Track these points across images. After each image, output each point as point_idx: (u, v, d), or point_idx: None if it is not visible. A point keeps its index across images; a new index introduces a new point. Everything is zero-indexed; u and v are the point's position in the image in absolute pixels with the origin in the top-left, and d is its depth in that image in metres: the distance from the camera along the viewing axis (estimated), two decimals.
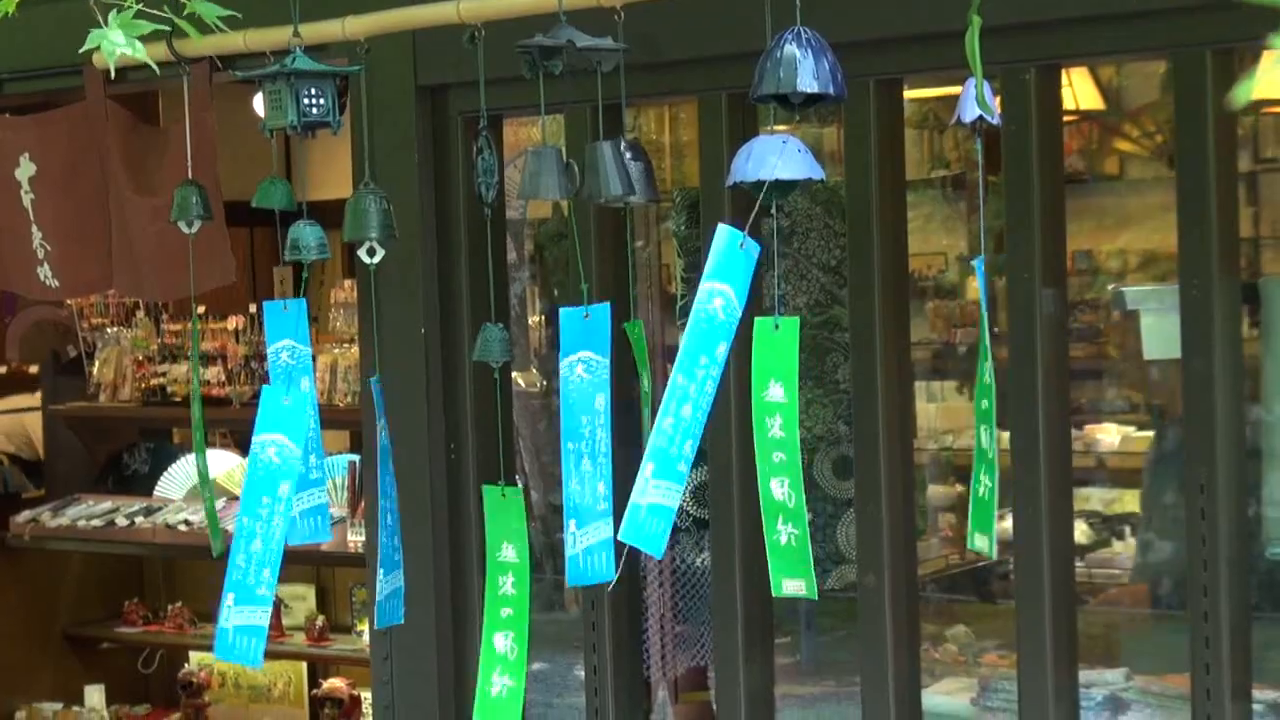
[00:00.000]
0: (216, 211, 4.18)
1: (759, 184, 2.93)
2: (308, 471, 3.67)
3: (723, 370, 3.02)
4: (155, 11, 3.24)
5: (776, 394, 3.07)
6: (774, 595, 3.21)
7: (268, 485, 3.48)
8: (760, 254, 4.22)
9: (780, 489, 3.09)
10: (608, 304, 3.34)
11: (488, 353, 3.52)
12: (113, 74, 3.34)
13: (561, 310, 3.30)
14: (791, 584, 3.15)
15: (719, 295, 3.01)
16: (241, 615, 3.59)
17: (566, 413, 3.31)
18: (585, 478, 3.33)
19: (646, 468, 2.99)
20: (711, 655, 4.73)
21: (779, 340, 3.07)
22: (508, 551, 3.71)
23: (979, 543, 3.41)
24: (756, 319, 3.07)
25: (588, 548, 3.33)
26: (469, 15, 3.40)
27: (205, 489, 4.23)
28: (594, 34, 3.29)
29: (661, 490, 2.99)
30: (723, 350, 3.01)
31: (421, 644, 4.56)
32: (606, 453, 3.35)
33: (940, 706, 4.65)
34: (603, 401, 3.36)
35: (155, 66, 3.23)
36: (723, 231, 2.97)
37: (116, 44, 3.03)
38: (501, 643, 3.71)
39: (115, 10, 3.19)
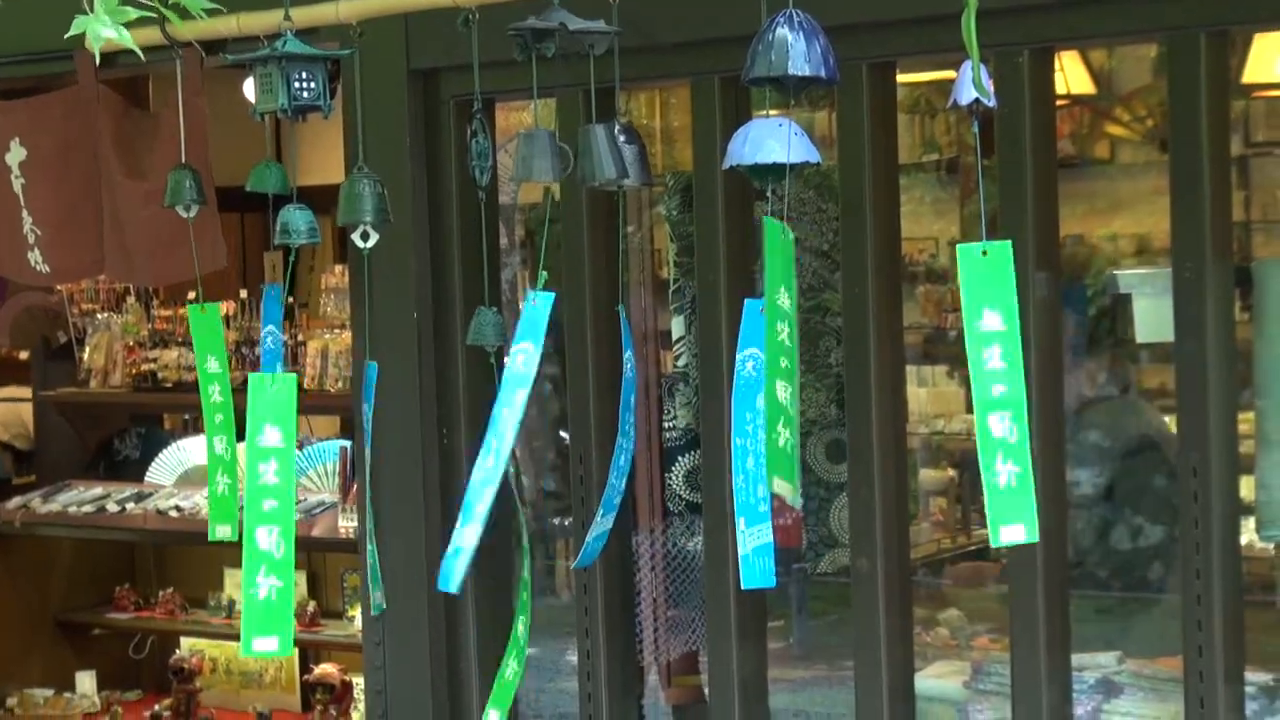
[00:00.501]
0: (209, 196, 4.17)
1: (755, 167, 2.93)
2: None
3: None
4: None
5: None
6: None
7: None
8: (754, 237, 4.24)
9: (783, 392, 3.10)
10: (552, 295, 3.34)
11: (481, 337, 3.52)
12: (98, 60, 3.33)
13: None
14: (781, 484, 3.13)
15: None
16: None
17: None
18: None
19: (740, 522, 3.15)
20: (703, 640, 4.73)
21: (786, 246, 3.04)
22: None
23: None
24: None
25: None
26: None
27: (220, 471, 4.20)
28: (587, 17, 3.28)
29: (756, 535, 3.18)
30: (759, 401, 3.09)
31: (414, 629, 4.56)
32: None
33: (932, 690, 4.65)
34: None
35: (140, 53, 3.21)
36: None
37: (102, 30, 3.02)
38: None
39: None
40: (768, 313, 3.06)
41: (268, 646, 3.46)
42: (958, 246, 3.02)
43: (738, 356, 3.26)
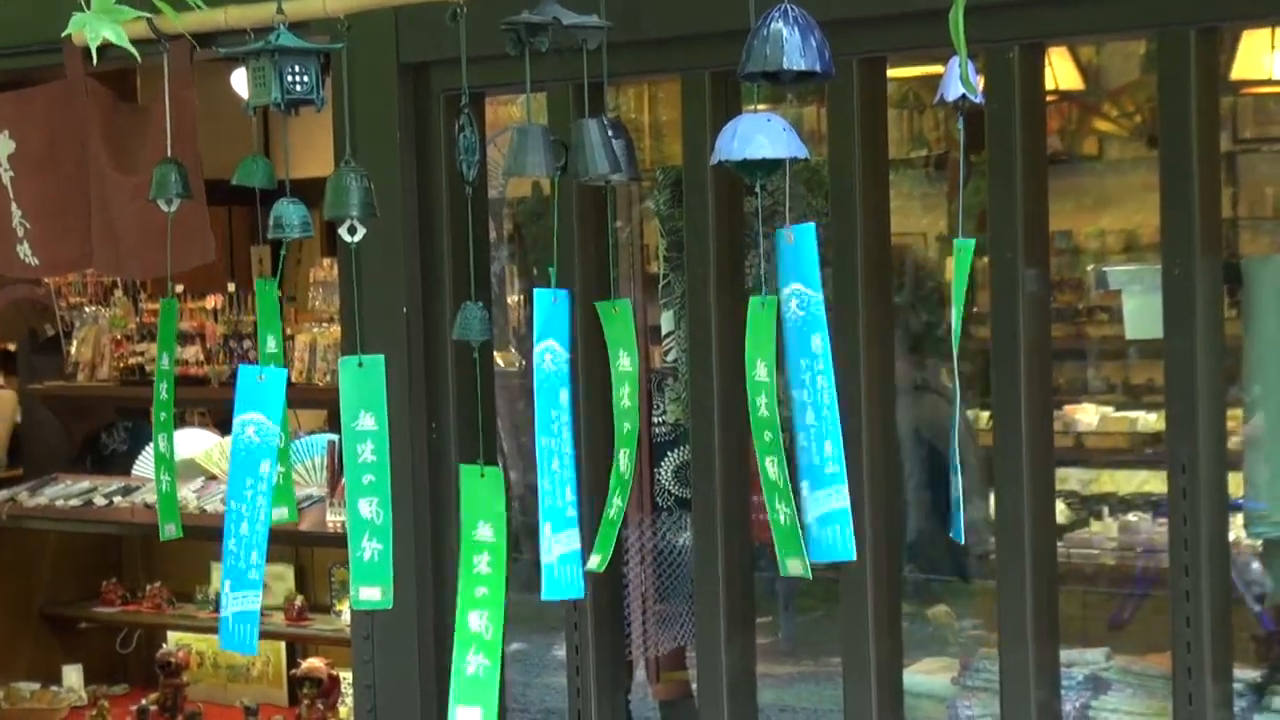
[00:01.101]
0: (196, 190, 4.17)
1: (744, 163, 2.93)
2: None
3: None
4: None
5: (761, 373, 3.06)
6: (781, 574, 3.15)
7: (249, 467, 3.46)
8: (744, 233, 4.24)
9: (773, 468, 3.07)
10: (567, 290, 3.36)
11: (467, 331, 3.51)
12: (95, 57, 3.33)
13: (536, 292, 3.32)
14: (794, 563, 3.08)
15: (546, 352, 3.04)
16: (237, 601, 3.50)
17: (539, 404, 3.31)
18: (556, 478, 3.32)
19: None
20: (692, 635, 4.73)
21: (765, 319, 3.04)
22: (484, 531, 3.70)
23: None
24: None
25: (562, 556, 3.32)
26: None
27: (163, 470, 4.22)
28: (578, 11, 3.28)
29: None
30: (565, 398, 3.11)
31: (403, 623, 4.55)
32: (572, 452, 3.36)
33: (920, 686, 4.65)
34: (565, 396, 3.35)
35: (137, 55, 3.22)
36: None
37: (100, 30, 3.02)
38: (476, 622, 3.69)
39: None
40: (748, 388, 3.05)
41: (372, 596, 3.60)
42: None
43: (534, 349, 3.26)
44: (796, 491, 3.04)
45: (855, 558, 3.09)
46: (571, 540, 3.33)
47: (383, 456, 3.64)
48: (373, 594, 3.63)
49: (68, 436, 7.91)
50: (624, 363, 3.41)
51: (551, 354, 3.29)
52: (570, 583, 3.31)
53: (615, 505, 3.40)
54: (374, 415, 3.62)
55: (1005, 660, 3.95)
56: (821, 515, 3.05)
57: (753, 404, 3.05)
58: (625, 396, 3.40)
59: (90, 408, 7.92)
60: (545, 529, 3.26)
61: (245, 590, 3.49)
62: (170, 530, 4.20)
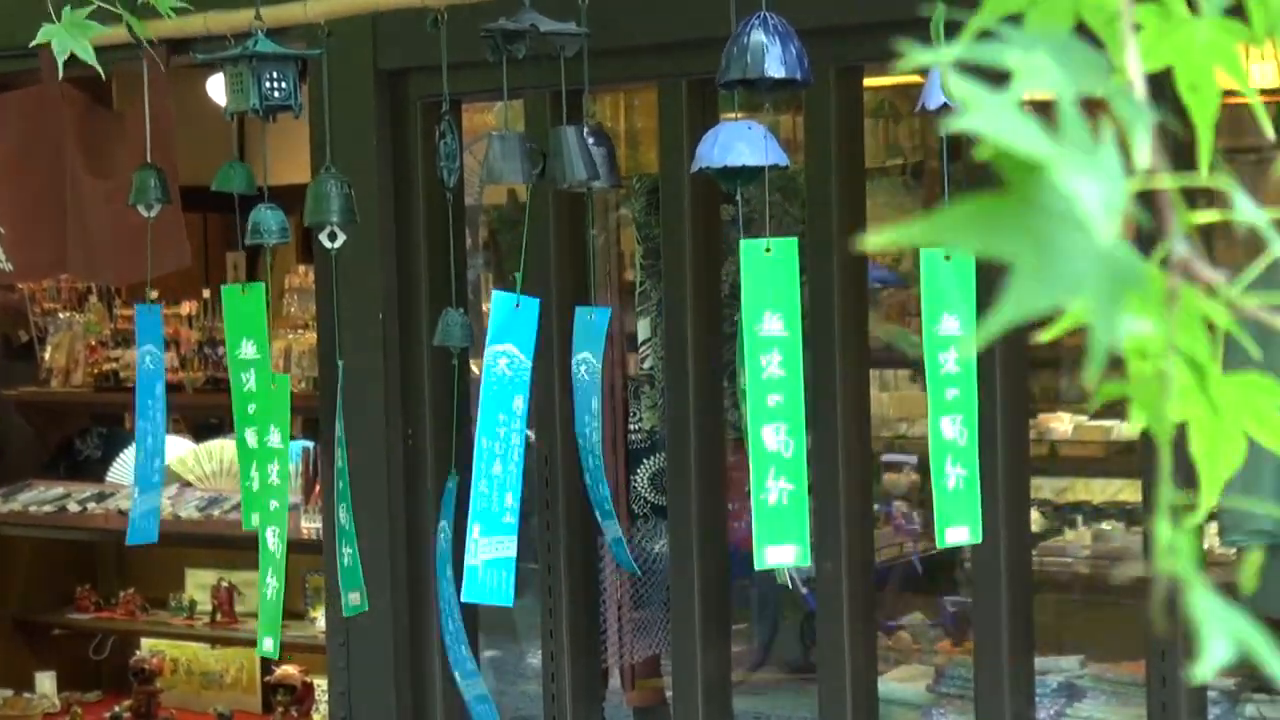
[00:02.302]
0: (173, 195, 4.17)
1: (724, 170, 2.93)
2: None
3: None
4: (109, 6, 3.23)
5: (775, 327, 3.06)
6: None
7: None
8: (721, 241, 4.25)
9: (776, 439, 3.07)
10: (537, 300, 3.35)
11: (449, 337, 3.52)
12: (61, 74, 3.33)
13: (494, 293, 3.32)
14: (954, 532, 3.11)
15: (503, 355, 3.03)
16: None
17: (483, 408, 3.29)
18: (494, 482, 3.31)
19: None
20: (667, 642, 4.73)
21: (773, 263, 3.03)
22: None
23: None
24: (743, 240, 3.04)
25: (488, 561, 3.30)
26: None
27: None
28: (556, 19, 3.29)
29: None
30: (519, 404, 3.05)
31: (378, 629, 4.55)
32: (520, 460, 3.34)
33: (896, 693, 4.66)
34: (520, 403, 3.33)
35: (101, 71, 3.23)
36: (747, 246, 2.98)
37: (67, 44, 3.03)
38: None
39: (68, 6, 3.18)
40: (748, 343, 3.04)
41: (784, 557, 3.15)
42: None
43: (488, 351, 3.26)
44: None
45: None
46: (504, 547, 3.28)
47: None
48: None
49: (41, 442, 7.88)
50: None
51: (508, 358, 3.28)
52: (497, 588, 3.27)
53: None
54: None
55: (980, 668, 3.96)
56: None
57: (753, 359, 3.07)
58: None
59: (64, 414, 7.89)
60: (474, 530, 3.23)
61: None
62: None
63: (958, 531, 3.08)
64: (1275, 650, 0.81)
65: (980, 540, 3.14)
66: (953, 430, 3.04)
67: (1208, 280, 0.82)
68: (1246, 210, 0.84)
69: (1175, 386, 0.85)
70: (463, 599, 3.34)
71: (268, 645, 3.74)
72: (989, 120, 0.78)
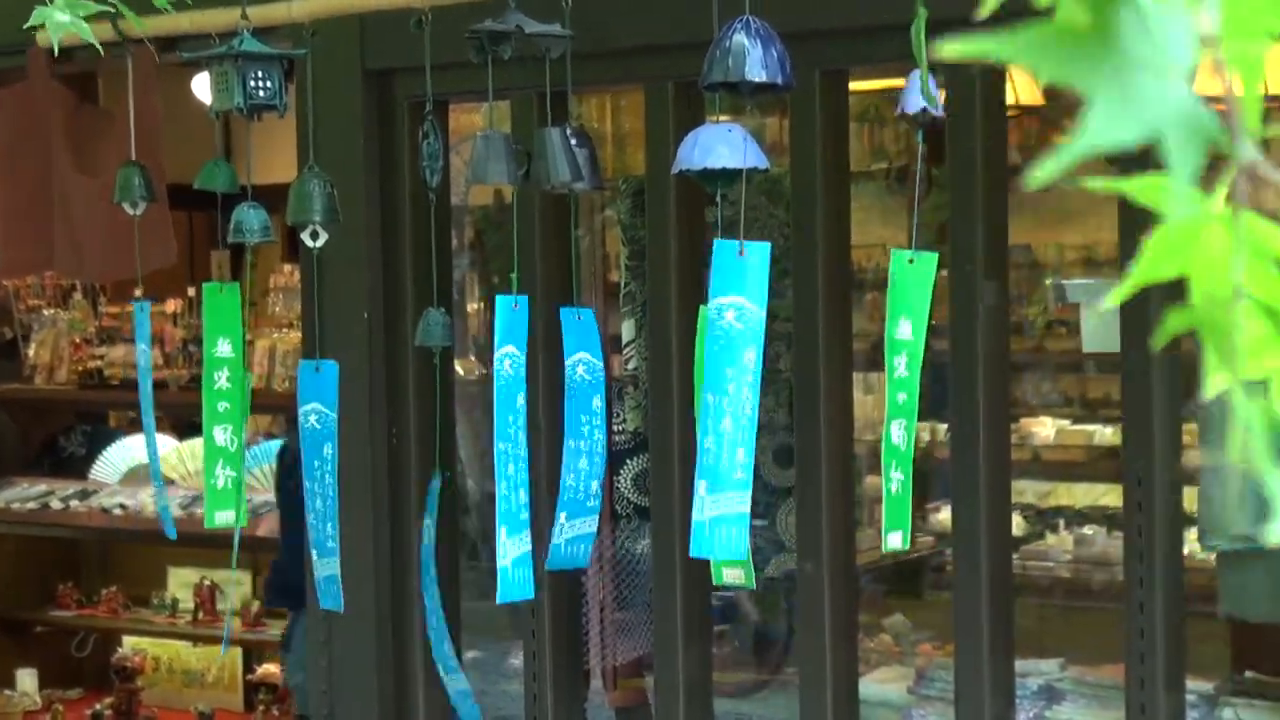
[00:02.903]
0: (159, 193, 4.17)
1: (705, 172, 2.94)
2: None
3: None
4: (100, 5, 3.24)
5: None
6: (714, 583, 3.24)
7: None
8: (705, 243, 4.25)
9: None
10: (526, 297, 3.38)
11: (429, 337, 3.53)
12: (56, 51, 3.33)
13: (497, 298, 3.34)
14: (731, 574, 3.18)
15: (730, 308, 3.03)
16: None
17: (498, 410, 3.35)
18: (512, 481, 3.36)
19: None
20: (650, 642, 4.74)
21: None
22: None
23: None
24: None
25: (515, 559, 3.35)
26: None
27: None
28: (541, 20, 3.30)
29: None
30: (750, 357, 3.03)
31: (360, 628, 4.56)
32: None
33: (876, 695, 4.67)
34: (523, 400, 3.40)
35: (100, 47, 3.22)
36: (720, 247, 3.00)
37: (62, 23, 3.02)
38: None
39: None
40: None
41: (227, 518, 3.69)
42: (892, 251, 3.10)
43: (495, 354, 3.30)
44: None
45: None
46: (524, 543, 3.35)
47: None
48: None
49: (25, 439, 7.88)
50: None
51: (510, 359, 3.32)
52: (522, 584, 3.35)
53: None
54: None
55: (960, 670, 3.97)
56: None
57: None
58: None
59: (48, 411, 7.90)
60: (501, 533, 3.28)
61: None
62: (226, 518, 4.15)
63: (895, 537, 3.13)
64: None
65: (908, 548, 3.19)
66: (898, 435, 3.09)
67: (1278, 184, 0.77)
68: None
69: (1248, 336, 0.80)
70: (498, 601, 3.37)
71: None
72: None
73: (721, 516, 3.11)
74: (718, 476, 3.06)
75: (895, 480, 3.12)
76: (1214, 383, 0.82)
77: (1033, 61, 0.77)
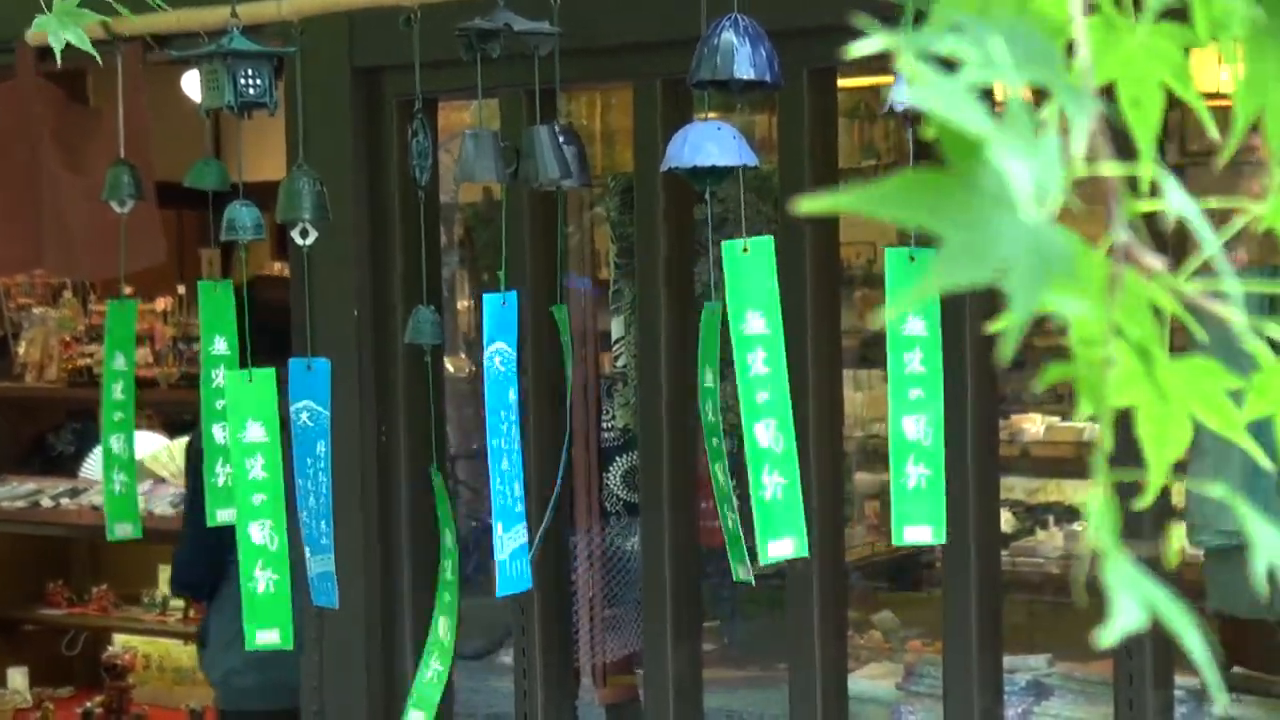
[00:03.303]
0: (148, 191, 4.17)
1: (694, 169, 2.95)
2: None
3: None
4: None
5: (757, 325, 3.10)
6: (761, 562, 3.23)
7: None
8: (692, 240, 4.26)
9: (721, 475, 3.13)
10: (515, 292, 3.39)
11: (419, 335, 3.53)
12: (59, 61, 3.34)
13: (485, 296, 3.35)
14: (778, 546, 3.16)
15: (496, 354, 3.08)
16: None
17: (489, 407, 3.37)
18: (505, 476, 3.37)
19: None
20: (640, 639, 4.75)
21: (752, 263, 3.07)
22: (446, 537, 3.80)
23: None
24: (724, 242, 3.08)
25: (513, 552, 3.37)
26: None
27: (115, 471, 4.22)
28: (530, 18, 3.30)
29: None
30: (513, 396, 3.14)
31: (350, 626, 4.56)
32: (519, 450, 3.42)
33: (866, 691, 4.68)
34: (514, 395, 3.40)
35: (98, 57, 3.24)
36: (728, 248, 3.02)
37: (63, 33, 3.04)
38: (444, 628, 3.78)
39: None
40: (700, 394, 3.12)
41: (270, 639, 3.58)
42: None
43: (485, 351, 3.31)
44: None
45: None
46: (520, 535, 3.37)
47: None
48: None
49: (15, 438, 7.89)
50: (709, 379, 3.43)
51: (501, 355, 3.33)
52: (520, 577, 3.36)
53: (730, 519, 3.40)
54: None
55: (949, 666, 3.98)
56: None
57: (702, 408, 3.11)
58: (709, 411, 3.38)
59: (38, 409, 7.90)
60: (498, 528, 3.29)
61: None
62: (124, 530, 4.18)
63: (919, 531, 3.12)
64: (1188, 623, 0.84)
65: (944, 541, 3.17)
66: (916, 430, 3.09)
67: (1150, 267, 0.85)
68: (1178, 201, 0.86)
69: (1118, 372, 0.88)
70: (497, 595, 3.43)
71: (271, 638, 3.70)
72: (934, 97, 0.80)
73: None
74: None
75: (916, 475, 3.12)
76: (1081, 413, 0.93)
77: (889, 210, 0.82)
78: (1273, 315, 3.96)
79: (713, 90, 2.98)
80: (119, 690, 7.24)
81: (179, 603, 7.29)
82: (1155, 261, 0.86)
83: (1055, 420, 7.11)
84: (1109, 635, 0.81)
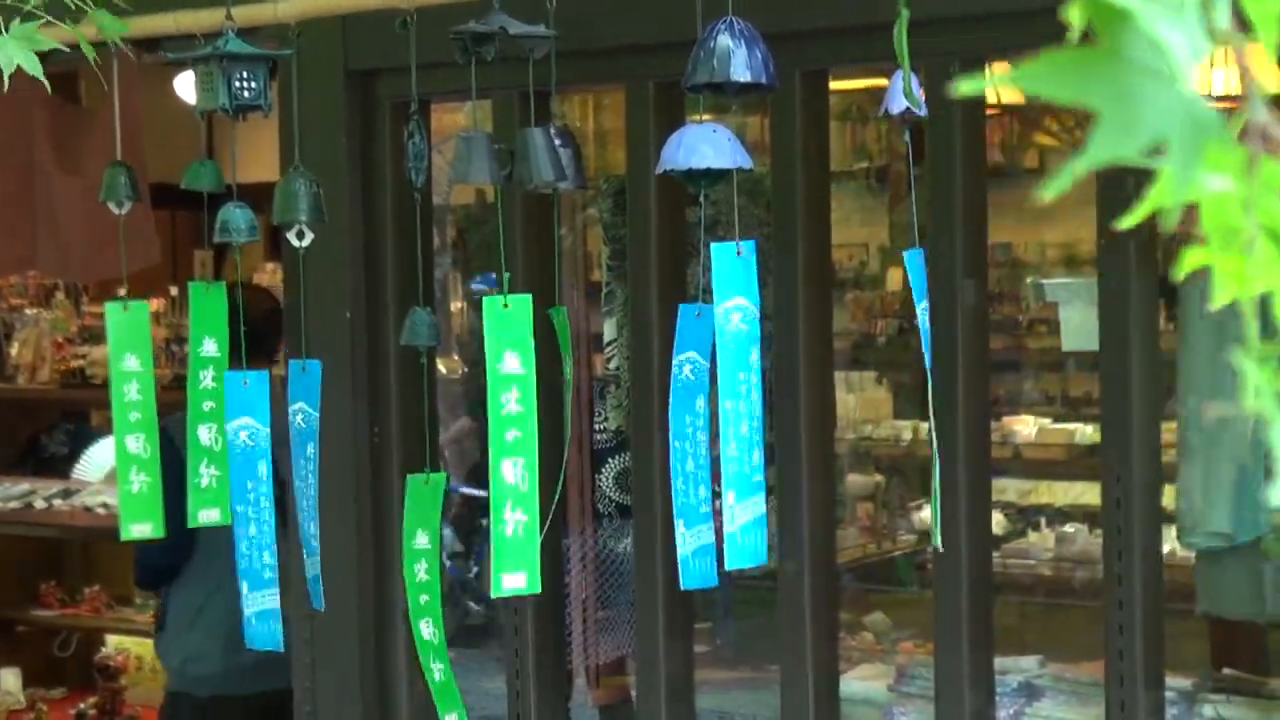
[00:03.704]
0: (143, 193, 4.18)
1: (688, 172, 2.96)
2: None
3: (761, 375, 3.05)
4: (57, 21, 3.25)
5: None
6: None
7: (248, 469, 3.50)
8: (687, 242, 4.27)
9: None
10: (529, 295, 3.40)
11: (415, 336, 3.54)
12: (6, 85, 3.34)
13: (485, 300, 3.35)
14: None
15: (736, 310, 3.06)
16: (259, 601, 3.55)
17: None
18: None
19: (728, 496, 3.08)
20: (632, 641, 4.76)
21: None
22: (422, 539, 3.77)
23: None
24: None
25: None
26: (402, 0, 3.41)
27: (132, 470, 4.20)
28: (524, 20, 3.31)
29: (749, 508, 3.11)
30: (754, 357, 3.07)
31: (343, 628, 4.57)
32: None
33: (857, 692, 4.69)
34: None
35: (48, 86, 3.26)
36: (717, 250, 3.03)
37: (14, 58, 3.06)
38: (427, 630, 3.78)
39: (18, 19, 3.20)
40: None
41: (517, 583, 3.37)
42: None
43: (675, 360, 3.31)
44: (717, 495, 3.17)
45: (718, 584, 3.30)
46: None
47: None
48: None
49: (7, 439, 7.89)
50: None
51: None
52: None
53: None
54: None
55: (940, 667, 3.99)
56: (695, 549, 3.25)
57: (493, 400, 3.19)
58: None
59: (30, 410, 7.90)
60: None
61: (264, 590, 3.56)
62: (141, 530, 4.14)
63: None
64: None
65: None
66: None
67: None
68: None
69: (1258, 255, 0.86)
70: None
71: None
72: None
73: (751, 522, 3.17)
74: (743, 482, 3.11)
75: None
76: (1221, 295, 0.88)
77: (1047, 87, 0.82)
78: None
79: (708, 93, 2.99)
80: (112, 691, 7.24)
81: None
82: None
83: (1047, 422, 7.14)
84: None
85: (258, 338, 4.90)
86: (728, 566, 3.26)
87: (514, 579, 3.28)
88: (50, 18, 3.18)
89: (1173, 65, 0.80)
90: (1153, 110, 0.80)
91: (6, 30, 3.15)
